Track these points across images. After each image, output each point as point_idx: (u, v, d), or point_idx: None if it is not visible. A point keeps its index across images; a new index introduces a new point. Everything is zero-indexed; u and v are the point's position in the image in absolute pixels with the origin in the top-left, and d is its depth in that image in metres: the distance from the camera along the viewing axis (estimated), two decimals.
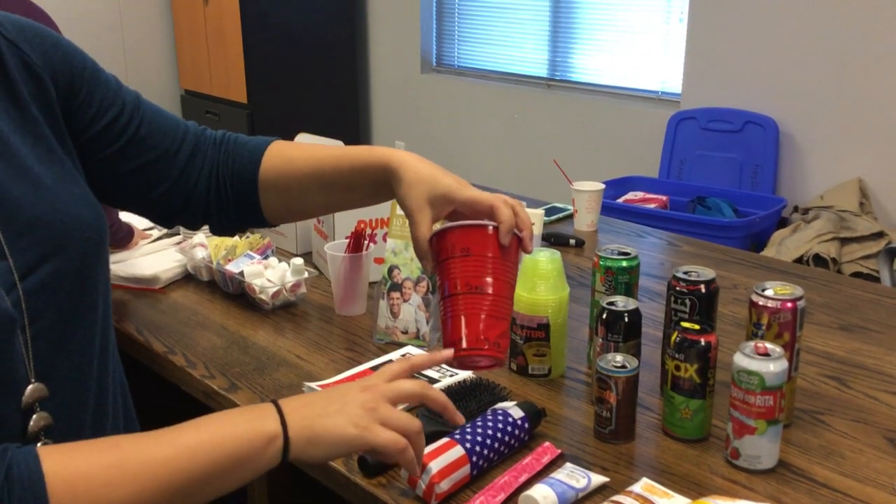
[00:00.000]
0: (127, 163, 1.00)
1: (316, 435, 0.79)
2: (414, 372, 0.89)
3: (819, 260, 2.71)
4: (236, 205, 1.06)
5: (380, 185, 1.00)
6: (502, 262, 0.92)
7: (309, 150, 1.06)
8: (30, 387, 0.84)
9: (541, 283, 1.19)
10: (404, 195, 0.95)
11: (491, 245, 0.92)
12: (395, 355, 1.25)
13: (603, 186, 1.92)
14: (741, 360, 0.98)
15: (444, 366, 1.21)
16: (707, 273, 1.13)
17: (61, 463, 0.72)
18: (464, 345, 0.90)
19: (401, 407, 0.86)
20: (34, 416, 0.85)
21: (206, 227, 1.11)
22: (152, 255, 1.63)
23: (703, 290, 1.11)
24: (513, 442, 1.02)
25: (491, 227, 0.92)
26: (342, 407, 0.81)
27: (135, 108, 1.00)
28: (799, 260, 2.71)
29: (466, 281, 0.91)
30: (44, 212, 0.85)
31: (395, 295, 1.34)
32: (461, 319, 0.90)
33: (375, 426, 0.81)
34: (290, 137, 1.93)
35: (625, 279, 1.19)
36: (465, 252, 0.91)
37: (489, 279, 0.91)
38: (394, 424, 0.82)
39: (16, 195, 0.84)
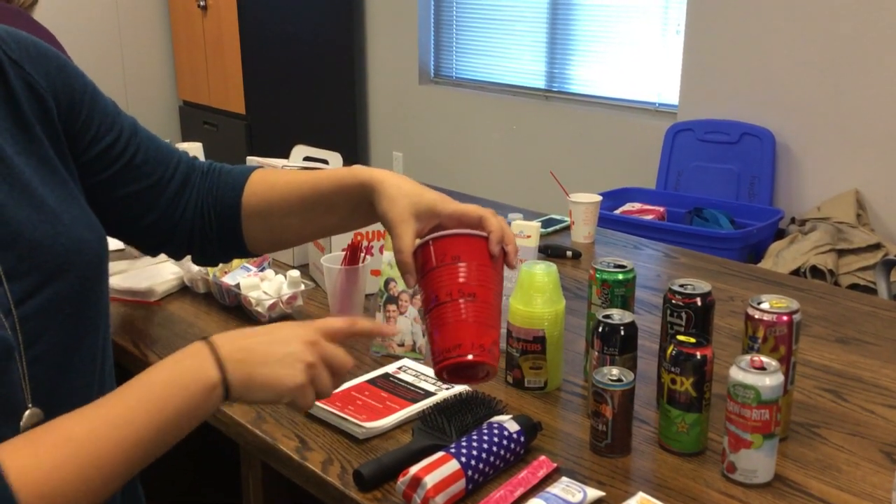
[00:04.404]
0: (119, 189, 0.99)
1: (255, 383, 0.81)
2: (353, 337, 0.89)
3: (816, 272, 2.71)
4: (219, 234, 1.06)
5: (359, 204, 1.00)
6: (492, 271, 0.92)
7: (290, 174, 1.06)
8: (27, 412, 0.83)
9: (537, 295, 1.19)
10: (386, 209, 0.95)
11: (482, 254, 0.91)
12: (391, 368, 1.25)
13: (600, 198, 1.92)
14: (737, 374, 0.98)
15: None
16: (703, 286, 1.12)
17: (29, 475, 0.71)
18: (456, 353, 0.87)
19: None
20: None
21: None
22: (148, 267, 1.63)
23: (699, 304, 1.11)
24: (508, 456, 1.01)
25: (482, 236, 0.92)
26: (284, 357, 0.82)
27: (131, 135, 1.00)
28: (796, 272, 2.71)
29: (459, 288, 0.89)
30: (45, 236, 0.85)
31: (392, 307, 1.34)
32: (452, 327, 0.88)
33: (309, 389, 0.83)
34: (288, 149, 1.93)
35: (621, 292, 1.19)
36: (455, 259, 0.90)
37: (481, 287, 0.90)
38: (322, 390, 0.84)
39: (19, 219, 0.83)
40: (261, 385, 0.81)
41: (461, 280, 0.90)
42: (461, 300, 0.89)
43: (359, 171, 1.00)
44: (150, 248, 1.08)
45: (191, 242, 1.07)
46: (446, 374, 0.89)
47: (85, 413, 0.76)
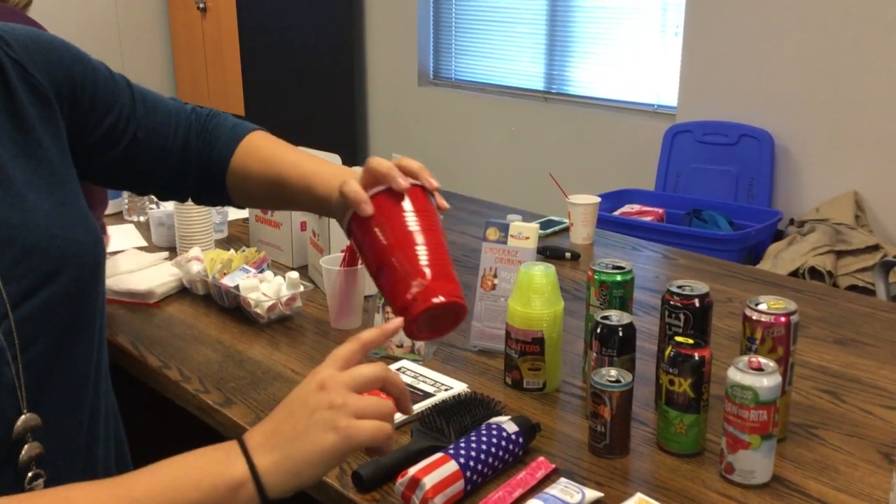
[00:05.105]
0: (128, 164, 1.04)
1: (296, 464, 0.73)
2: (365, 352, 0.82)
3: (815, 273, 2.71)
4: (207, 188, 1.12)
5: (324, 211, 1.03)
6: (388, 221, 0.88)
7: (279, 154, 1.07)
8: (21, 417, 0.83)
9: (535, 297, 1.19)
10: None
11: (368, 222, 0.88)
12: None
13: (598, 200, 1.92)
14: (735, 375, 0.98)
15: (437, 380, 1.21)
16: (701, 287, 1.13)
17: None
18: (400, 315, 0.85)
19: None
20: (25, 447, 0.83)
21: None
22: (147, 269, 1.63)
23: (697, 305, 1.11)
24: (507, 457, 1.01)
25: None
26: (310, 418, 0.74)
27: (131, 111, 1.03)
28: (795, 273, 2.71)
29: (370, 263, 0.89)
30: (40, 239, 0.85)
31: (391, 309, 1.33)
32: (386, 295, 0.88)
33: (353, 422, 0.74)
34: None
35: (619, 293, 1.20)
36: (360, 243, 0.90)
37: (387, 248, 0.87)
38: (370, 412, 0.76)
39: (12, 223, 0.83)
40: (303, 462, 0.74)
41: (367, 256, 0.90)
42: (379, 269, 0.88)
43: (318, 186, 1.00)
44: (158, 198, 1.17)
45: (190, 191, 1.13)
46: (417, 331, 0.87)
47: (91, 488, 0.72)
